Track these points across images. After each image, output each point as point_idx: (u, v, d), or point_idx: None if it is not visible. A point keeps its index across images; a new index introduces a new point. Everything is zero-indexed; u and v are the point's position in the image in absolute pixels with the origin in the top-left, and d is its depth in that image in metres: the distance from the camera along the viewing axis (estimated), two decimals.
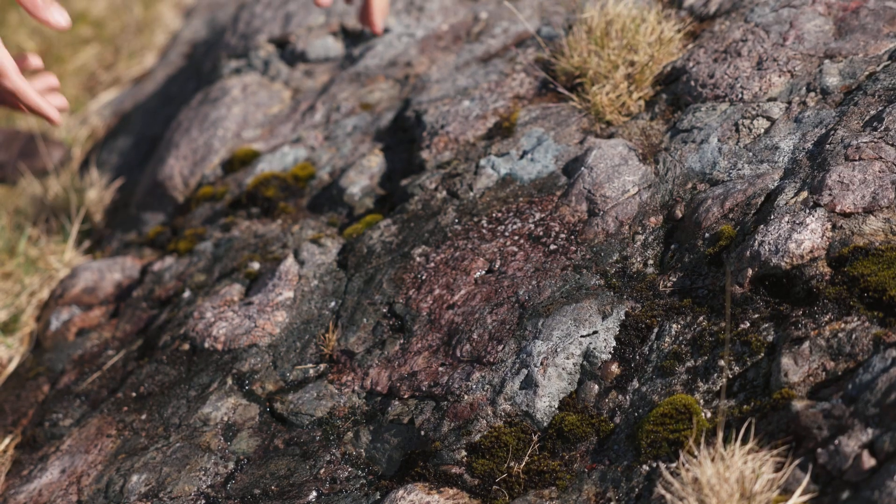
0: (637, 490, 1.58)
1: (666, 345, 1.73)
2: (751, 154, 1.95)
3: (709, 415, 1.60)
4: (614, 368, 1.76)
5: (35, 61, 2.06)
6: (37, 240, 3.03)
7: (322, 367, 2.07)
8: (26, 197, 3.39)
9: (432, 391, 1.89)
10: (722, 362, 1.64)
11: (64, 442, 2.18)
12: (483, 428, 1.78)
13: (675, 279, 1.83)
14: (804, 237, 1.68)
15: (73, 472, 2.08)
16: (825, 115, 1.93)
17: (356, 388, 1.99)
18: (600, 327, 1.81)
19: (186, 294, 2.43)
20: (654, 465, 1.59)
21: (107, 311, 2.61)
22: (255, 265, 2.38)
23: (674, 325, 1.75)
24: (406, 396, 1.92)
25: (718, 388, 1.62)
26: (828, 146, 1.83)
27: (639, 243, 1.94)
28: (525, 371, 1.80)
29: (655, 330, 1.76)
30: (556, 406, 1.76)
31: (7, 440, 2.30)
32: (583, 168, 2.08)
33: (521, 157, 2.22)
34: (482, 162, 2.25)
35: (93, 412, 2.24)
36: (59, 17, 1.91)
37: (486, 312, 1.94)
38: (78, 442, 2.15)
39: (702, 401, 1.63)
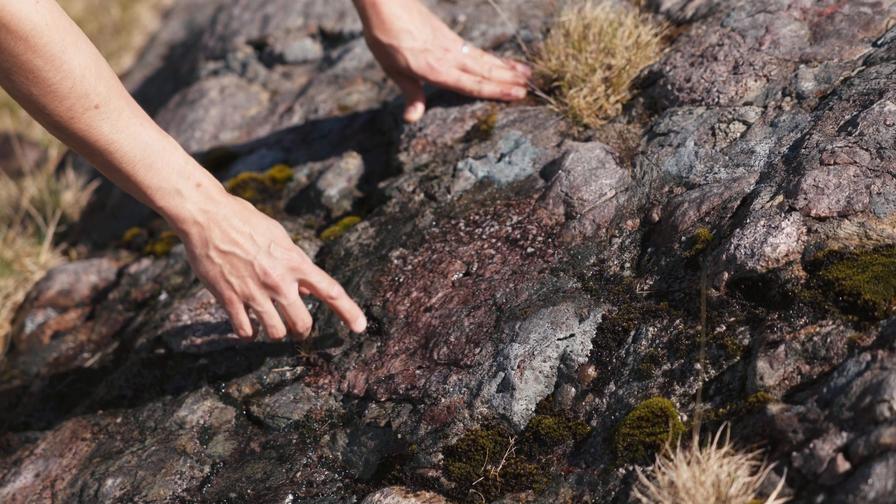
0: (613, 493, 1.59)
1: (642, 348, 1.74)
2: (727, 158, 1.95)
3: (685, 418, 1.60)
4: (591, 371, 1.76)
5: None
6: (12, 242, 3.01)
7: (299, 369, 2.07)
8: (1, 198, 3.38)
9: (409, 394, 1.89)
10: (698, 365, 1.65)
11: (38, 446, 2.16)
12: (460, 431, 1.78)
13: (651, 282, 1.83)
14: (780, 241, 1.69)
15: (48, 476, 2.07)
16: (800, 120, 1.94)
17: (333, 390, 1.99)
18: (577, 330, 1.81)
19: (163, 297, 2.43)
20: (631, 468, 1.59)
21: (82, 314, 2.60)
22: None
23: (650, 329, 1.76)
24: (383, 399, 1.92)
25: (694, 391, 1.63)
26: (803, 150, 1.84)
27: (616, 246, 1.94)
28: (502, 374, 1.80)
29: (632, 333, 1.77)
30: (533, 409, 1.76)
31: None
32: (560, 171, 2.09)
33: (499, 159, 2.23)
34: (460, 165, 2.25)
35: (67, 415, 2.23)
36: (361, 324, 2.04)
37: (464, 315, 1.94)
38: (52, 446, 2.14)
39: (678, 404, 1.63)
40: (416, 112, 2.45)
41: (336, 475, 1.87)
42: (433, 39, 2.34)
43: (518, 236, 2.04)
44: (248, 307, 1.97)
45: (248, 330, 1.99)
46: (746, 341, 1.63)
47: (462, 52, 2.37)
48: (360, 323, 2.02)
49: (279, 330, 1.98)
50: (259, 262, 1.91)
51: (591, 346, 1.79)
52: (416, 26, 2.32)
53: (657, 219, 1.94)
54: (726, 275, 1.71)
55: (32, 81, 1.71)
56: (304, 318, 1.99)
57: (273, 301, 1.97)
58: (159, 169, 1.84)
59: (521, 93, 2.38)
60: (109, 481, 1.98)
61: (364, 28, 2.35)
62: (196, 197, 1.87)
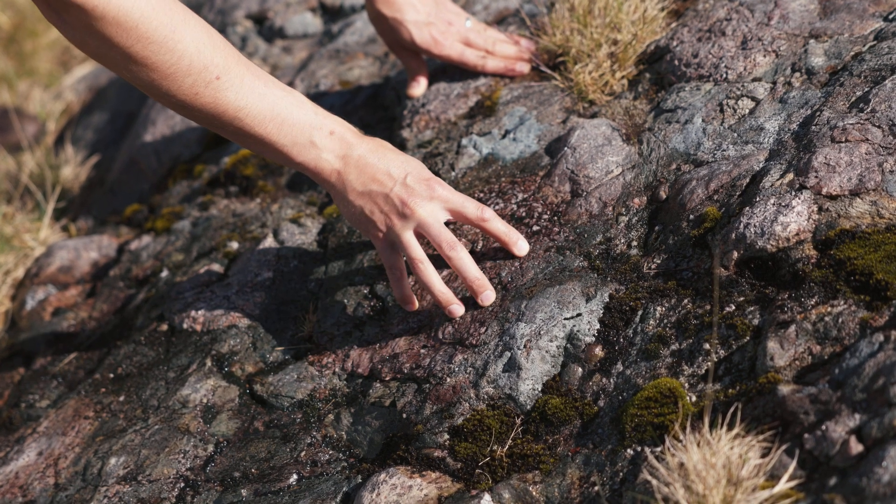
0: (621, 474, 1.58)
1: (650, 327, 1.72)
2: (735, 135, 1.93)
3: (694, 399, 1.59)
4: (598, 351, 1.75)
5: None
6: (11, 217, 2.99)
7: (303, 348, 2.05)
8: (0, 173, 3.35)
9: (414, 373, 1.88)
10: (707, 346, 1.63)
11: (41, 424, 2.15)
12: (466, 411, 1.77)
13: (659, 261, 1.82)
14: (790, 220, 1.67)
15: (51, 454, 2.06)
16: (810, 96, 1.92)
17: (337, 369, 1.98)
18: (584, 309, 1.79)
19: (164, 274, 2.41)
20: (639, 449, 1.58)
21: (83, 291, 2.58)
22: (234, 245, 2.36)
23: (658, 308, 1.74)
24: (387, 379, 1.90)
25: (704, 371, 1.61)
26: (813, 127, 1.82)
27: (622, 224, 1.92)
28: (508, 354, 1.79)
29: (640, 312, 1.75)
30: (540, 389, 1.75)
31: None
32: (566, 148, 2.06)
33: (504, 136, 2.20)
34: (464, 141, 2.23)
35: (70, 393, 2.22)
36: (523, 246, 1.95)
37: (469, 294, 1.92)
38: (55, 424, 2.13)
39: (687, 384, 1.62)
40: (419, 87, 2.42)
41: (340, 455, 1.85)
42: (436, 12, 2.32)
43: (523, 214, 2.02)
44: (393, 243, 1.92)
45: (401, 271, 1.95)
46: (756, 321, 1.62)
47: (465, 26, 2.35)
48: (520, 246, 1.93)
49: (421, 261, 1.90)
50: (395, 192, 1.87)
51: (598, 326, 1.78)
52: None
53: (664, 197, 1.92)
54: (735, 254, 1.70)
55: (150, 68, 1.73)
56: (448, 240, 1.89)
57: (419, 237, 1.92)
58: (291, 125, 1.84)
59: (525, 68, 2.35)
60: (113, 460, 1.97)
61: (366, 2, 2.32)
62: (331, 145, 1.87)
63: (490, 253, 1.98)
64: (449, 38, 2.33)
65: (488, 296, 1.89)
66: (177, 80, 1.75)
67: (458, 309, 1.89)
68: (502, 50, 2.37)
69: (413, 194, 1.87)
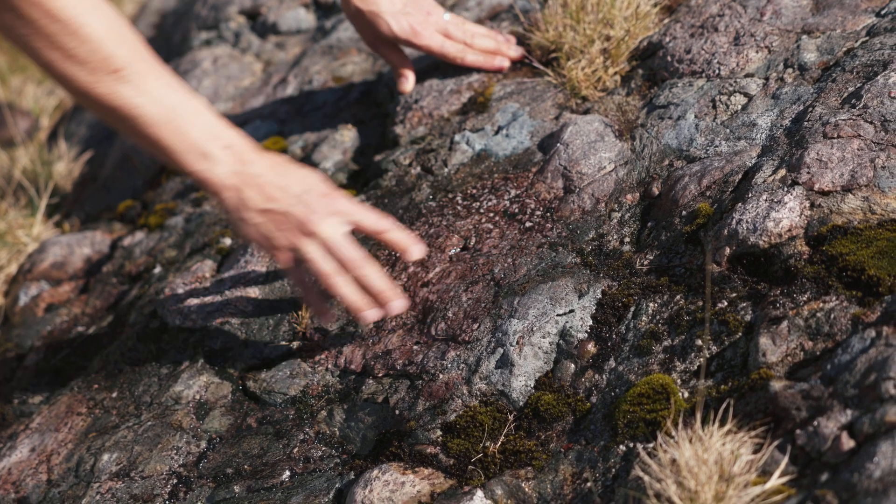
0: (614, 471, 1.58)
1: (643, 324, 1.72)
2: (728, 131, 1.93)
3: (686, 395, 1.59)
4: (591, 347, 1.75)
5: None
6: (4, 213, 2.99)
7: (295, 344, 2.05)
8: None
9: (407, 370, 1.88)
10: (699, 342, 1.63)
11: (33, 420, 2.15)
12: (458, 407, 1.77)
13: (651, 257, 1.82)
14: (782, 215, 1.67)
15: (43, 450, 2.06)
16: (803, 92, 1.92)
17: (330, 366, 1.98)
18: (576, 306, 1.79)
19: (157, 270, 2.41)
20: (632, 445, 1.58)
21: (76, 287, 2.58)
22: (227, 241, 2.36)
23: (651, 304, 1.74)
24: (380, 375, 1.90)
25: (696, 367, 1.62)
26: (806, 123, 1.82)
27: (615, 221, 1.92)
28: (501, 350, 1.79)
29: (632, 309, 1.75)
30: (532, 385, 1.75)
31: None
32: (559, 144, 2.06)
33: (497, 132, 2.20)
34: (457, 137, 2.23)
35: (63, 390, 2.22)
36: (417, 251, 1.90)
37: (461, 290, 1.92)
38: (48, 420, 2.13)
39: (679, 380, 1.62)
40: (408, 82, 2.41)
41: (333, 451, 1.85)
42: (413, 3, 2.32)
43: (516, 210, 2.02)
44: (301, 262, 1.88)
45: (308, 286, 1.92)
46: (748, 317, 1.62)
47: (444, 19, 2.34)
48: (416, 251, 1.89)
49: (331, 275, 1.85)
50: (296, 210, 1.83)
51: (590, 322, 1.78)
52: None
53: (657, 193, 1.92)
54: (728, 250, 1.70)
55: (51, 47, 1.69)
56: (354, 257, 1.85)
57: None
58: (186, 133, 1.79)
59: (504, 63, 2.35)
60: (105, 456, 1.97)
61: (342, 1, 2.32)
62: (226, 158, 1.81)
63: (483, 249, 1.98)
64: (428, 28, 2.32)
65: (397, 305, 1.87)
66: (76, 64, 1.70)
67: (372, 315, 1.87)
68: (481, 43, 2.37)
69: (313, 211, 1.83)
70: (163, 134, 1.78)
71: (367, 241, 2.13)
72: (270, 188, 1.83)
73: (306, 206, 1.83)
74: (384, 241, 1.89)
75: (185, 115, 1.79)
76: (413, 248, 1.88)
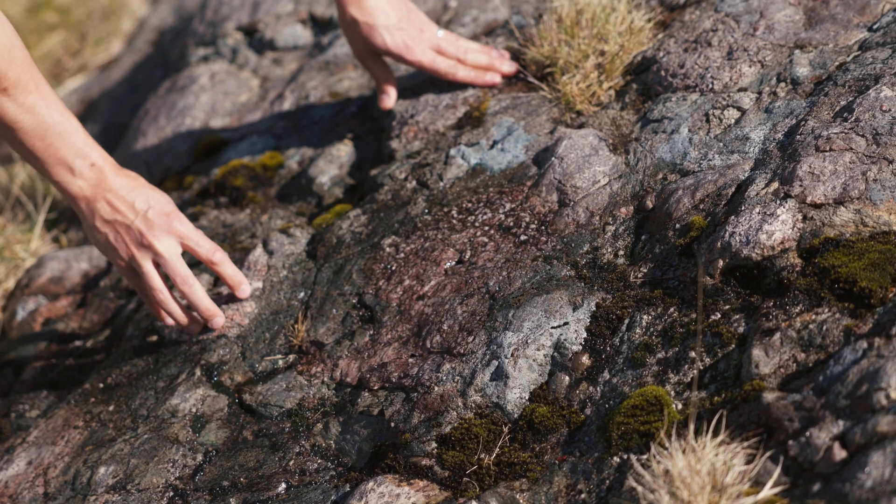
0: (608, 482, 1.58)
1: (637, 336, 1.73)
2: (721, 144, 1.94)
3: (680, 406, 1.60)
4: (585, 360, 1.76)
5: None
6: (2, 228, 2.99)
7: (291, 357, 2.06)
8: None
9: (402, 382, 1.88)
10: (693, 353, 1.64)
11: (30, 433, 2.15)
12: (453, 419, 1.78)
13: (645, 270, 1.83)
14: (775, 228, 1.68)
15: (40, 463, 2.06)
16: (795, 106, 1.93)
17: (326, 379, 1.98)
18: (571, 318, 1.80)
19: None
20: (625, 456, 1.59)
21: (74, 301, 2.58)
22: None
23: (644, 317, 1.75)
24: (376, 388, 1.91)
25: (689, 379, 1.62)
26: (798, 137, 1.83)
27: (609, 234, 1.93)
28: (495, 362, 1.80)
29: (626, 321, 1.76)
30: (527, 397, 1.76)
31: None
32: (553, 158, 2.08)
33: (492, 147, 2.21)
34: (452, 152, 2.24)
35: (60, 403, 2.22)
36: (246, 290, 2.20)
37: (457, 303, 1.93)
38: (45, 433, 2.13)
39: (673, 392, 1.62)
40: (389, 99, 2.44)
41: (329, 463, 1.86)
42: (408, 18, 2.34)
43: (511, 224, 2.03)
44: (135, 270, 2.11)
45: (146, 294, 2.14)
46: (741, 329, 1.63)
47: (437, 35, 2.36)
48: (243, 289, 2.17)
49: (158, 290, 2.10)
50: (136, 224, 2.06)
51: (584, 335, 1.78)
52: (390, 4, 2.32)
53: (651, 206, 1.93)
54: (721, 262, 1.71)
55: None
56: (182, 273, 2.09)
57: (158, 267, 2.10)
58: (58, 148, 2.01)
59: (495, 78, 2.37)
60: (102, 469, 1.97)
61: (338, 8, 2.33)
62: (88, 174, 2.04)
63: (479, 262, 1.99)
64: (421, 44, 2.34)
65: (217, 321, 2.14)
66: None
67: (192, 328, 2.16)
68: (474, 59, 2.39)
69: (152, 227, 2.07)
70: (36, 147, 2.00)
71: (363, 253, 2.14)
72: (118, 203, 2.06)
73: (147, 222, 2.07)
74: (217, 273, 2.15)
75: (59, 134, 2.01)
76: (242, 286, 2.17)
